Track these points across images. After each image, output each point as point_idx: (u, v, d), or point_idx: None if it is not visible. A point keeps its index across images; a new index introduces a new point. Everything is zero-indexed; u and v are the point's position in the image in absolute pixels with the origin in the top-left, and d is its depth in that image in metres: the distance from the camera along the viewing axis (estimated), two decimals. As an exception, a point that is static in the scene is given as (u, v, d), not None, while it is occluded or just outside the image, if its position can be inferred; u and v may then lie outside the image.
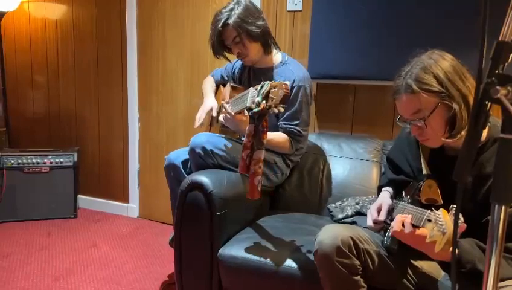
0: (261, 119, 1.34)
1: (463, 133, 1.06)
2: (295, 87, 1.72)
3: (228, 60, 1.89)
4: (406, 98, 1.10)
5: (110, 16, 2.97)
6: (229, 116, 1.57)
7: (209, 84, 2.13)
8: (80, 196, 3.22)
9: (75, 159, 2.97)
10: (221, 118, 1.69)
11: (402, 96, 1.11)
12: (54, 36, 3.21)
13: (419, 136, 1.14)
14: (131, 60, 2.95)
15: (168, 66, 2.85)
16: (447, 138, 1.09)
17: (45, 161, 2.92)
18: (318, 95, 2.10)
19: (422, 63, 1.10)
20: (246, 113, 1.47)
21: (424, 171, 1.20)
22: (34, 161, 2.89)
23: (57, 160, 2.94)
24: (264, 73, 1.83)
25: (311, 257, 1.34)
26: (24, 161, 2.88)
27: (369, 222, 1.26)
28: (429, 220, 0.96)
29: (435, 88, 1.07)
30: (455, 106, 1.05)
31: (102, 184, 3.25)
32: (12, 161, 2.84)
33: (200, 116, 1.89)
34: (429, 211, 1.00)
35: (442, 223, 0.91)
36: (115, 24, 2.96)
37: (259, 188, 1.36)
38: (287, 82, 1.29)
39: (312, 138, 2.10)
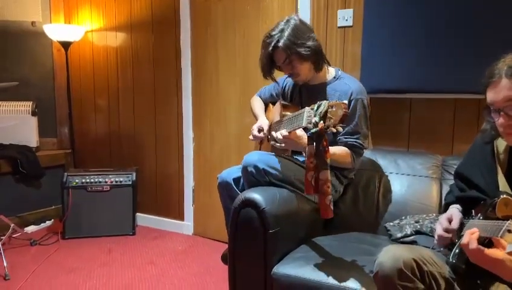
0: (320, 140, 1.34)
1: None
2: (353, 101, 1.71)
3: (276, 81, 1.90)
4: (506, 82, 1.06)
5: (166, 41, 3.05)
6: (284, 138, 1.56)
7: (257, 104, 2.15)
8: (138, 214, 3.28)
9: (134, 178, 3.03)
10: (273, 142, 1.70)
11: (501, 80, 1.07)
12: (115, 62, 3.34)
13: (506, 128, 1.08)
14: (185, 82, 3.03)
15: (220, 87, 2.90)
16: None
17: (106, 180, 3.00)
18: (372, 110, 2.04)
19: None
20: (301, 130, 1.48)
21: (501, 187, 1.13)
22: (96, 180, 2.98)
23: (117, 179, 3.02)
24: (318, 89, 1.82)
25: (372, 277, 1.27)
26: (87, 180, 2.97)
27: (439, 231, 1.18)
28: (509, 231, 0.90)
29: None
30: None
31: (158, 202, 3.30)
32: (77, 181, 2.94)
33: (254, 132, 1.93)
34: (510, 221, 0.93)
35: None
36: (170, 49, 3.05)
37: (332, 207, 1.36)
38: (345, 101, 1.29)
39: (367, 153, 2.04)
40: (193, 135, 3.09)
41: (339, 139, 1.73)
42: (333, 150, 1.63)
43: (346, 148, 1.73)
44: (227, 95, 2.89)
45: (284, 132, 1.54)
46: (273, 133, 1.68)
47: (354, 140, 1.74)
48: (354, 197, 1.98)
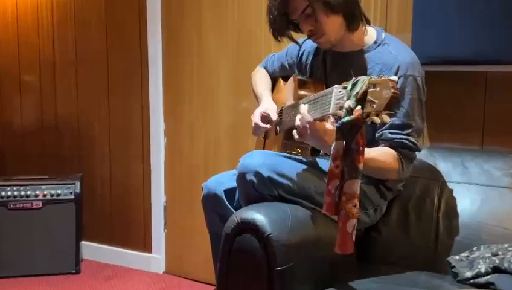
0: (353, 134, 1.37)
1: None
2: (401, 79, 1.72)
3: (295, 41, 1.91)
4: None
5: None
6: (304, 124, 1.55)
7: (261, 79, 2.20)
8: (83, 243, 3.29)
9: (77, 189, 3.06)
10: (294, 132, 1.69)
11: None
12: (49, 23, 3.37)
13: None
14: (153, 53, 3.07)
15: (205, 59, 2.96)
16: None
17: (37, 192, 3.02)
18: (427, 89, 1.99)
19: None
20: (332, 120, 1.50)
21: None
22: (22, 193, 2.99)
23: (52, 191, 3.03)
24: (350, 59, 1.84)
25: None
26: (9, 193, 2.99)
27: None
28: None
29: None
30: None
31: (114, 226, 3.32)
32: (-9, 194, 2.93)
33: (257, 121, 1.94)
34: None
35: None
36: (130, 4, 3.09)
37: (354, 237, 1.39)
38: (395, 77, 1.28)
39: (421, 154, 2.03)
40: (165, 127, 3.14)
41: (381, 135, 1.74)
42: (372, 152, 1.65)
43: (392, 150, 1.73)
44: (215, 71, 2.94)
45: (307, 115, 1.54)
46: (285, 120, 1.74)
47: (404, 137, 1.74)
48: (402, 218, 2.01)
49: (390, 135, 1.74)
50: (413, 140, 1.75)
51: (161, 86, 3.14)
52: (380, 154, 1.71)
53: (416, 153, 1.78)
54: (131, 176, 3.27)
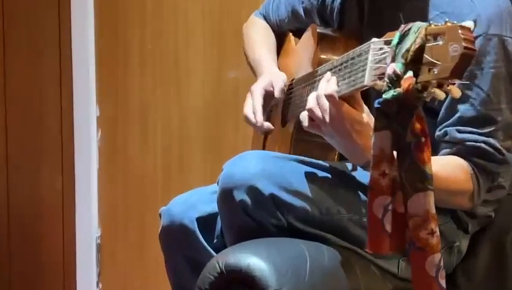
0: (405, 119, 1.18)
1: None
2: (479, 39, 1.45)
3: None
4: None
5: None
6: (323, 104, 1.37)
7: (259, 36, 2.05)
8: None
9: None
10: (302, 116, 1.45)
11: None
12: None
13: None
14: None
15: (164, 7, 2.75)
16: None
17: None
18: None
19: None
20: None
21: None
22: None
23: None
24: (398, 6, 1.62)
25: None
26: None
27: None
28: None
29: None
30: None
31: (13, 273, 2.96)
32: None
33: (256, 106, 1.72)
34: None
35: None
36: None
37: (443, 282, 1.22)
38: (470, 23, 1.08)
39: None
40: (99, 113, 2.83)
41: (444, 133, 1.51)
42: (436, 166, 1.37)
43: (461, 161, 1.49)
44: (182, 20, 2.70)
45: (331, 88, 1.37)
46: (297, 101, 1.70)
47: (482, 139, 1.48)
48: (496, 262, 1.72)
49: (458, 135, 1.50)
50: (498, 144, 1.50)
51: (92, 46, 2.80)
52: (442, 168, 1.46)
53: (508, 161, 1.56)
54: (43, 195, 2.92)
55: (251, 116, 1.73)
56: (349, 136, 1.36)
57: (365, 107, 1.37)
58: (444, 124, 1.50)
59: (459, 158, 1.48)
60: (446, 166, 1.48)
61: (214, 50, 2.62)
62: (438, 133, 1.52)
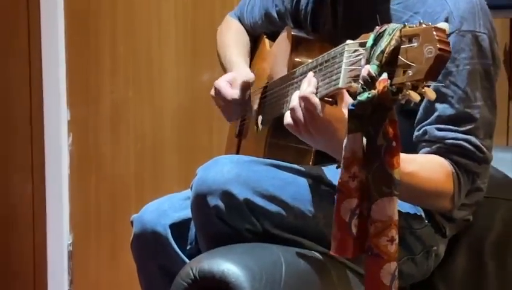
0: (378, 121, 1.18)
1: None
2: (453, 36, 1.48)
3: None
4: None
5: None
6: (308, 105, 1.35)
7: (233, 38, 2.05)
8: None
9: None
10: (286, 116, 1.47)
11: None
12: None
13: None
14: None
15: (136, 7, 2.73)
16: None
17: None
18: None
19: None
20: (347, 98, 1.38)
21: None
22: None
23: None
24: (372, 10, 1.56)
25: None
26: None
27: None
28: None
29: None
30: None
31: None
32: None
33: (221, 87, 1.75)
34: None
35: None
36: None
37: None
38: (445, 24, 1.11)
39: (499, 159, 1.78)
40: (70, 116, 2.81)
41: (424, 132, 1.51)
42: (413, 165, 1.44)
43: (441, 160, 1.48)
44: (155, 20, 2.71)
45: (309, 90, 1.38)
46: (272, 104, 1.70)
47: (461, 137, 1.47)
48: (474, 267, 1.74)
49: (438, 133, 1.49)
50: (478, 142, 1.49)
51: (63, 48, 2.77)
52: (421, 167, 1.49)
53: (487, 163, 1.57)
54: (13, 202, 2.92)
55: (227, 105, 1.74)
56: (330, 133, 1.35)
57: (348, 99, 1.33)
58: (423, 124, 1.50)
59: (440, 157, 1.48)
60: (426, 165, 1.49)
61: (188, 51, 2.63)
62: (416, 133, 1.51)
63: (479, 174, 1.53)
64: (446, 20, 1.45)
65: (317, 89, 1.38)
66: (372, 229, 1.19)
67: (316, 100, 1.32)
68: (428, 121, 1.50)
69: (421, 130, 1.50)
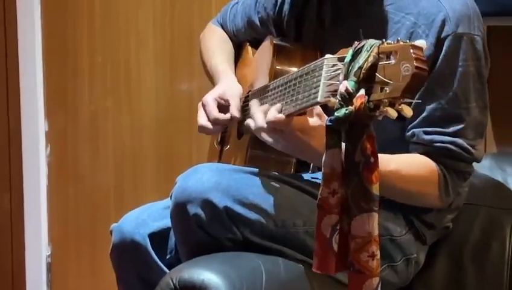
0: (356, 137, 1.20)
1: None
2: (449, 39, 1.52)
3: None
4: None
5: None
6: (275, 125, 1.40)
7: (217, 45, 2.06)
8: None
9: None
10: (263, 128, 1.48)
11: None
12: None
13: None
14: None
15: (114, 8, 2.74)
16: None
17: None
18: (492, 58, 1.75)
19: None
20: (318, 110, 1.42)
21: None
22: None
23: None
24: (363, 8, 1.67)
25: None
26: None
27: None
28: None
29: None
30: None
31: None
32: None
33: (211, 112, 1.74)
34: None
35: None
36: None
37: None
38: (422, 42, 1.09)
39: (482, 166, 1.84)
40: (47, 127, 2.85)
41: (412, 134, 1.56)
42: (394, 163, 1.51)
43: (428, 161, 1.54)
44: (133, 27, 2.72)
45: (275, 111, 1.41)
46: (255, 114, 1.56)
47: (449, 140, 1.52)
48: (453, 273, 1.78)
49: (426, 137, 1.55)
50: (466, 143, 1.54)
51: (40, 58, 2.81)
52: (408, 166, 1.56)
53: (473, 164, 1.63)
54: None
55: (207, 124, 1.72)
56: (302, 142, 1.39)
57: (317, 107, 1.40)
58: (412, 125, 1.53)
59: (426, 157, 1.53)
60: (412, 164, 1.54)
61: (166, 60, 2.64)
62: (406, 133, 1.56)
63: (470, 172, 1.58)
64: (443, 22, 1.53)
65: (285, 103, 1.45)
66: (352, 245, 1.21)
67: (281, 117, 1.38)
68: (417, 122, 1.52)
69: (410, 132, 1.54)
